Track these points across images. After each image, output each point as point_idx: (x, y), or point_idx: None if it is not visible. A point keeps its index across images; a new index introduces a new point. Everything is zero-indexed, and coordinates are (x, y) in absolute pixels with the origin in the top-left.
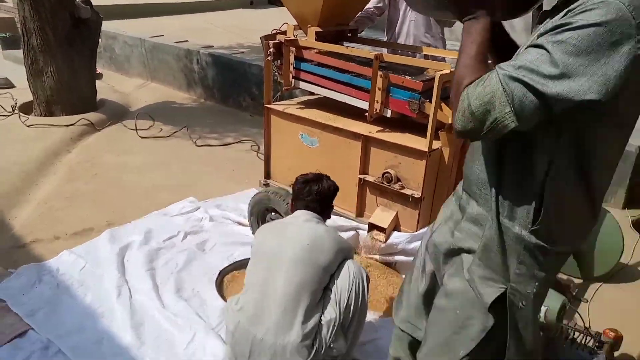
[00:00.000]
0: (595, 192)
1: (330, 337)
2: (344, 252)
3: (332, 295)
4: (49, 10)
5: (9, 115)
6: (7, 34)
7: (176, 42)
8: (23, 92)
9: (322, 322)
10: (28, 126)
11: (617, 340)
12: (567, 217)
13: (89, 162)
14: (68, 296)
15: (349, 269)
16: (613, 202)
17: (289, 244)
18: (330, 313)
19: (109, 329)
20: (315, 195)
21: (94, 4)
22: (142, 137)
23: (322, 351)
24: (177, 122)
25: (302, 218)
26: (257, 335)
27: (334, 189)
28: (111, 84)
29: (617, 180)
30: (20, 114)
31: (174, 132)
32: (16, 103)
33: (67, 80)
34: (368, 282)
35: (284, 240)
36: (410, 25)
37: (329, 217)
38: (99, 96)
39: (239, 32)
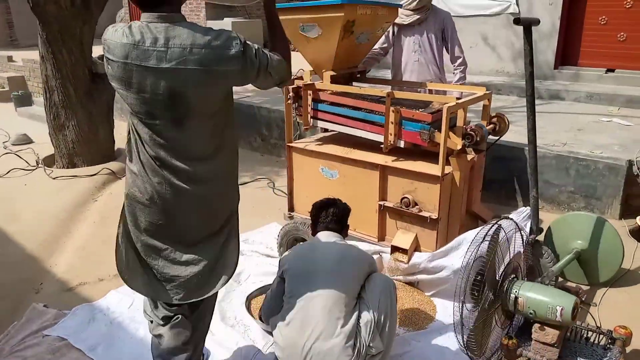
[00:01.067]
0: None
1: (369, 338)
2: (370, 264)
3: (366, 301)
4: (69, 68)
5: (34, 169)
6: (20, 91)
7: None
8: (43, 147)
9: (360, 325)
10: (53, 178)
11: (628, 336)
12: None
13: (117, 208)
14: (122, 331)
15: (377, 277)
16: (610, 213)
17: (320, 261)
18: (366, 316)
19: None
20: (332, 216)
21: None
22: None
23: (363, 351)
24: None
25: (326, 238)
26: (306, 343)
27: (346, 209)
28: (124, 134)
29: (611, 193)
30: (45, 167)
31: None
32: (38, 157)
33: (88, 132)
34: (395, 288)
35: (314, 258)
36: (415, 64)
37: (347, 235)
38: (115, 146)
39: None
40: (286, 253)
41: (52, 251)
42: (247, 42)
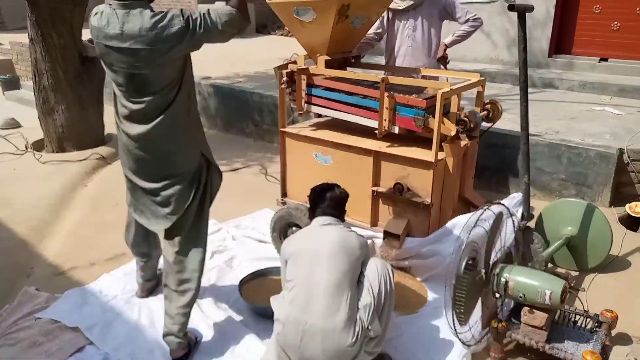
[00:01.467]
0: None
1: (367, 320)
2: (367, 248)
3: (365, 284)
4: (59, 51)
5: (23, 154)
6: (7, 75)
7: None
8: (32, 131)
9: (360, 307)
10: (43, 163)
11: (614, 319)
12: None
13: (107, 193)
14: (115, 313)
15: (375, 262)
16: (600, 201)
17: (321, 243)
18: (366, 299)
19: (158, 339)
20: (330, 201)
21: None
22: None
23: (362, 332)
24: None
25: (325, 222)
26: (308, 321)
27: (345, 194)
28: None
29: (602, 181)
30: (34, 151)
31: None
32: (27, 141)
33: (77, 117)
34: (392, 272)
35: (316, 240)
36: (408, 49)
37: (344, 221)
38: (105, 131)
39: (232, 62)
40: (287, 239)
41: (43, 236)
42: (192, 15)
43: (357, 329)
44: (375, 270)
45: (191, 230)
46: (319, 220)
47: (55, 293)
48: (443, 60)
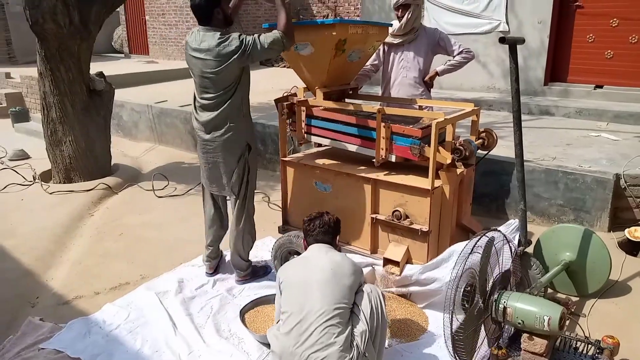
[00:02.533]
0: None
1: (364, 346)
2: (360, 274)
3: (359, 312)
4: (67, 85)
5: (31, 184)
6: (17, 107)
7: (181, 106)
8: (40, 162)
9: (356, 334)
10: (50, 193)
11: (615, 345)
12: None
13: (113, 222)
14: (119, 343)
15: (367, 289)
16: (599, 226)
17: (313, 271)
18: (361, 326)
19: None
20: (320, 228)
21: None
22: (159, 197)
23: (359, 359)
24: (190, 180)
25: (318, 249)
26: (304, 352)
27: (334, 220)
28: (120, 149)
29: (600, 206)
30: (42, 182)
31: (189, 190)
32: (35, 172)
33: (85, 148)
34: (384, 298)
35: (308, 269)
36: (403, 80)
37: (337, 246)
38: (112, 161)
39: None
40: (281, 268)
41: (48, 266)
42: (247, 38)
43: (353, 356)
44: (367, 297)
45: (241, 196)
46: (312, 248)
47: (59, 323)
48: (429, 83)
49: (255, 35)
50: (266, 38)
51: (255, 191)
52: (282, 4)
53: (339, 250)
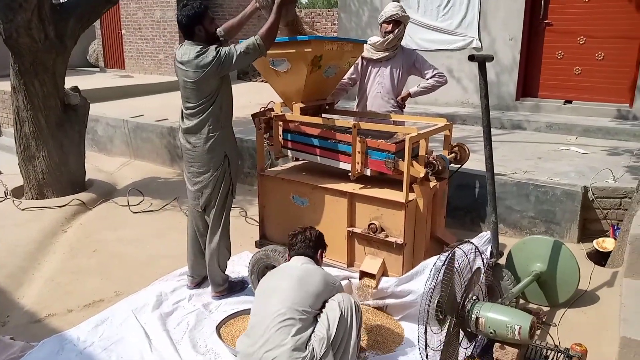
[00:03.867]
0: None
1: (320, 352)
2: (335, 287)
3: (322, 318)
4: (41, 100)
5: (2, 200)
6: None
7: (157, 121)
8: (11, 178)
9: (314, 338)
10: (22, 209)
11: (583, 353)
12: None
13: (87, 239)
14: None
15: (338, 298)
16: (569, 237)
17: (282, 278)
18: (321, 331)
19: None
20: (302, 242)
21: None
22: (135, 212)
23: None
24: (166, 195)
25: (296, 260)
26: (258, 352)
27: (314, 234)
28: (95, 165)
29: (569, 218)
30: (14, 198)
31: (164, 205)
32: (7, 188)
33: (58, 163)
34: (358, 309)
35: (278, 277)
36: (377, 94)
37: (317, 259)
38: (87, 176)
39: None
40: (261, 279)
41: (19, 283)
42: (223, 49)
43: (307, 358)
44: (337, 306)
45: (216, 208)
46: (293, 259)
47: (31, 341)
48: (402, 102)
49: (232, 45)
50: (242, 45)
51: (232, 206)
52: (277, 10)
53: (319, 265)
